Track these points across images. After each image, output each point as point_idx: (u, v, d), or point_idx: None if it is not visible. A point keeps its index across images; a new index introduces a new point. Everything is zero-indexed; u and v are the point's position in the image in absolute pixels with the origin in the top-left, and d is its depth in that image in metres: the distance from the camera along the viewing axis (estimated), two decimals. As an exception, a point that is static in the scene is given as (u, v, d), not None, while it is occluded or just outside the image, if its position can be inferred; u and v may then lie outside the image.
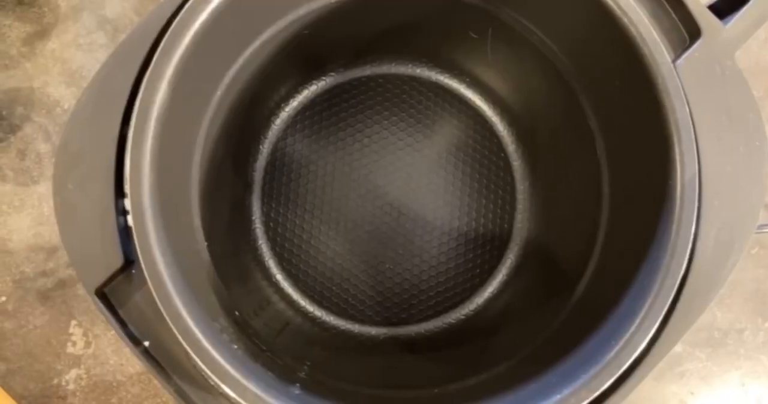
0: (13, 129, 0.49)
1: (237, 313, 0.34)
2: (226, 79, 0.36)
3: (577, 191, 0.42)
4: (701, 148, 0.31)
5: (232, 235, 0.45)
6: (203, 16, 0.29)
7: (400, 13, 0.43)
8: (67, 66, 0.50)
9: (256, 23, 0.36)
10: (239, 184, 0.47)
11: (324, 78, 0.49)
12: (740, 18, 0.32)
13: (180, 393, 0.29)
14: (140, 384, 0.49)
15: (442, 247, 0.47)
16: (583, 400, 0.27)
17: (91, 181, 0.29)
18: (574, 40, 0.37)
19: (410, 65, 0.49)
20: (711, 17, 0.32)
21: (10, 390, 0.49)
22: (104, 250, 0.29)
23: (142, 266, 0.27)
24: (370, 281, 0.47)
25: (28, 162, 0.51)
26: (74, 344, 0.50)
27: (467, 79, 0.49)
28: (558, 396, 0.27)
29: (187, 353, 0.27)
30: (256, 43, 0.36)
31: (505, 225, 0.48)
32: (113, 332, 0.45)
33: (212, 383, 0.27)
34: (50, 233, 0.51)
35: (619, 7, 0.31)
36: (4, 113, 0.49)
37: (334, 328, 0.46)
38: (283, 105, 0.48)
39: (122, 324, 0.29)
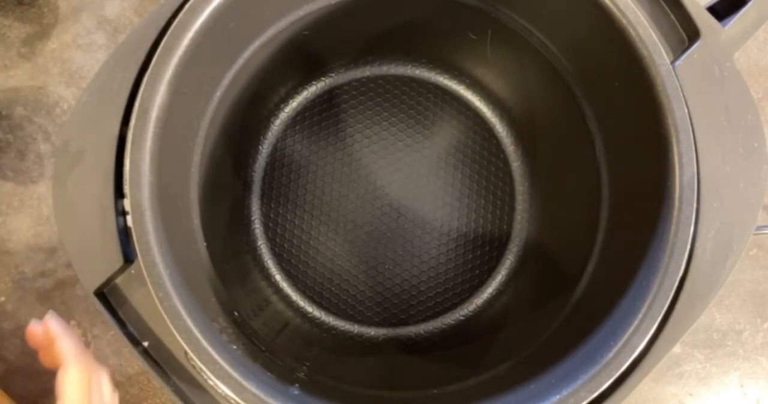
0: (13, 129, 0.49)
1: (236, 313, 0.34)
2: (226, 79, 0.36)
3: (577, 191, 0.42)
4: (700, 149, 0.31)
5: (231, 235, 0.45)
6: (203, 17, 0.29)
7: (399, 14, 0.43)
8: (67, 66, 0.50)
9: (255, 24, 0.36)
10: (239, 184, 0.47)
11: (324, 79, 0.49)
12: (739, 19, 0.32)
13: (179, 393, 0.29)
14: (139, 384, 0.49)
15: (442, 248, 0.47)
16: (582, 401, 0.28)
17: (91, 181, 0.29)
18: (574, 42, 0.37)
19: (410, 66, 0.49)
20: (710, 19, 0.32)
21: (9, 391, 0.49)
22: (104, 250, 0.29)
23: (142, 266, 0.27)
24: (369, 281, 0.47)
25: (28, 162, 0.51)
26: (73, 344, 0.50)
27: (467, 80, 0.49)
28: (557, 397, 0.27)
29: (186, 353, 0.27)
30: (256, 44, 0.36)
31: (505, 226, 0.48)
32: (112, 332, 0.46)
33: (211, 383, 0.27)
34: (50, 233, 0.51)
35: (618, 8, 0.31)
36: (4, 113, 0.49)
37: (334, 329, 0.46)
38: (282, 106, 0.48)
39: (122, 324, 0.29)
